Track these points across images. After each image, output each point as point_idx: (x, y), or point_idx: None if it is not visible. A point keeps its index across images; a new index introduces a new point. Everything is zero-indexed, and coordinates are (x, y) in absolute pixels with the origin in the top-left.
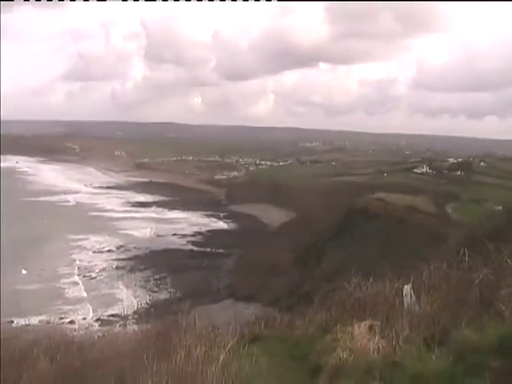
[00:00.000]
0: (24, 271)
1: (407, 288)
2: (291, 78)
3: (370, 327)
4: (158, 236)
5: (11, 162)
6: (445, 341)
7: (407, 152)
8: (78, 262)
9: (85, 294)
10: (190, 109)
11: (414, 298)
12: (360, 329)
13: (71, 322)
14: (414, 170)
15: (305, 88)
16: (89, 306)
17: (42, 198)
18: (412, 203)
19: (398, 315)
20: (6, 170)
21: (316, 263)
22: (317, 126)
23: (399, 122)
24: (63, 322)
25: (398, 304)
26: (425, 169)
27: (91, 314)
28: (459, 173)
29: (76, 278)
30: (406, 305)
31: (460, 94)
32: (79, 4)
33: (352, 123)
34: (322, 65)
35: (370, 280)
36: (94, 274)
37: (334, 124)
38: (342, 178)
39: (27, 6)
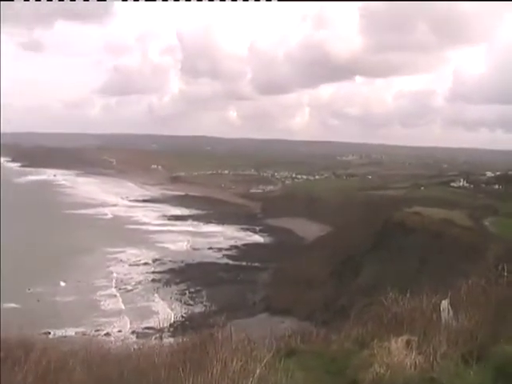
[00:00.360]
0: (63, 283)
1: (445, 303)
2: (327, 90)
3: (407, 342)
4: (194, 249)
5: (49, 174)
6: (483, 357)
7: (444, 165)
8: (114, 275)
9: (122, 307)
10: (226, 122)
11: (451, 313)
12: (397, 344)
13: (107, 334)
14: (452, 184)
15: (341, 101)
16: (126, 318)
17: (80, 211)
18: (449, 217)
19: (435, 331)
20: (44, 183)
21: (352, 277)
22: (353, 140)
23: (436, 135)
24: (99, 334)
25: (435, 319)
26: (462, 182)
27: (128, 326)
28: (497, 186)
29: (113, 291)
30: (443, 320)
31: (498, 106)
32: (117, 18)
33: (389, 136)
34: (358, 78)
35: (407, 295)
36: (129, 287)
37: (370, 137)
38: (379, 192)
39: (66, 22)
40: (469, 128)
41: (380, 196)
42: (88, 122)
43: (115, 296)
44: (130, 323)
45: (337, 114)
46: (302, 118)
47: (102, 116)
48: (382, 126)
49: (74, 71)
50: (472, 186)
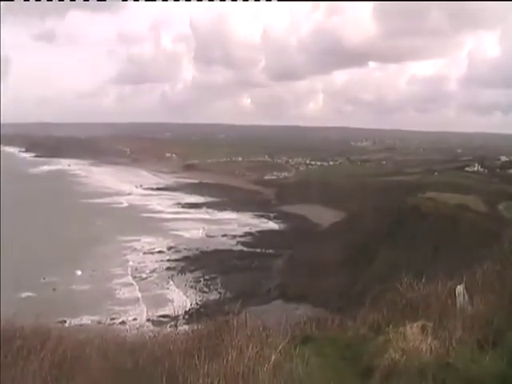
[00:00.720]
0: (79, 272)
1: (460, 288)
2: (340, 77)
3: (423, 328)
4: (208, 237)
5: (63, 164)
6: (499, 342)
7: (458, 150)
8: (130, 263)
9: (139, 295)
10: (240, 109)
11: (466, 298)
12: (412, 330)
13: (122, 323)
14: (466, 169)
15: (354, 87)
16: (142, 306)
17: (96, 200)
18: (463, 202)
19: (450, 316)
20: (59, 173)
21: (367, 263)
22: (367, 125)
23: (450, 120)
24: (114, 323)
25: (450, 304)
26: (476, 167)
27: (145, 314)
28: None
29: (129, 279)
30: (458, 305)
31: None
32: (130, 7)
33: (402, 121)
34: (371, 63)
35: (422, 280)
36: (144, 275)
37: (384, 123)
38: (393, 178)
39: (78, 11)
40: (483, 112)
41: (394, 182)
42: (101, 111)
43: (131, 284)
44: (146, 311)
45: (350, 99)
46: (316, 104)
47: (115, 105)
48: (395, 111)
49: (87, 61)
50: (486, 170)
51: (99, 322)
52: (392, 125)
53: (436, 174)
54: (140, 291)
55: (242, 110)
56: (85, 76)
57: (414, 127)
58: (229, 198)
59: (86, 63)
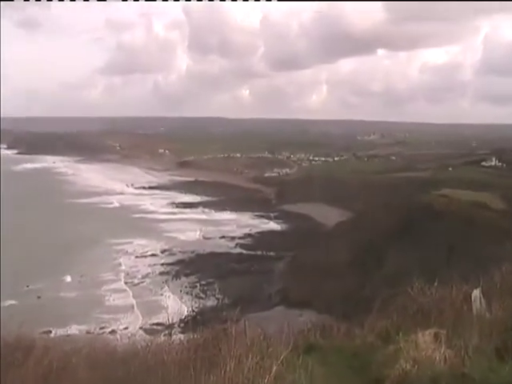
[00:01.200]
0: (68, 278)
1: (476, 293)
2: (346, 65)
3: (436, 336)
4: (205, 239)
5: (48, 161)
6: None
7: (474, 143)
8: (123, 267)
9: (131, 301)
10: (238, 102)
11: (484, 303)
12: (424, 337)
13: (113, 332)
14: (482, 163)
15: (361, 76)
16: (136, 313)
17: (84, 200)
18: (480, 199)
19: (466, 323)
20: (43, 171)
21: (375, 266)
22: (374, 118)
23: (464, 111)
24: (104, 332)
25: (466, 310)
26: (494, 162)
27: (139, 321)
28: None
29: (122, 285)
30: (475, 311)
31: None
32: None
33: (413, 113)
34: (380, 51)
35: (435, 284)
36: (136, 280)
37: (393, 115)
38: (403, 174)
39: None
40: (499, 102)
41: (405, 178)
42: (90, 104)
43: (123, 290)
44: (139, 319)
45: (357, 90)
46: (319, 95)
47: (104, 98)
48: (405, 102)
49: (74, 50)
50: (504, 165)
51: (88, 332)
52: (402, 117)
53: (450, 169)
54: (132, 297)
55: (241, 102)
56: (72, 67)
57: (425, 119)
58: (227, 197)
59: (72, 53)
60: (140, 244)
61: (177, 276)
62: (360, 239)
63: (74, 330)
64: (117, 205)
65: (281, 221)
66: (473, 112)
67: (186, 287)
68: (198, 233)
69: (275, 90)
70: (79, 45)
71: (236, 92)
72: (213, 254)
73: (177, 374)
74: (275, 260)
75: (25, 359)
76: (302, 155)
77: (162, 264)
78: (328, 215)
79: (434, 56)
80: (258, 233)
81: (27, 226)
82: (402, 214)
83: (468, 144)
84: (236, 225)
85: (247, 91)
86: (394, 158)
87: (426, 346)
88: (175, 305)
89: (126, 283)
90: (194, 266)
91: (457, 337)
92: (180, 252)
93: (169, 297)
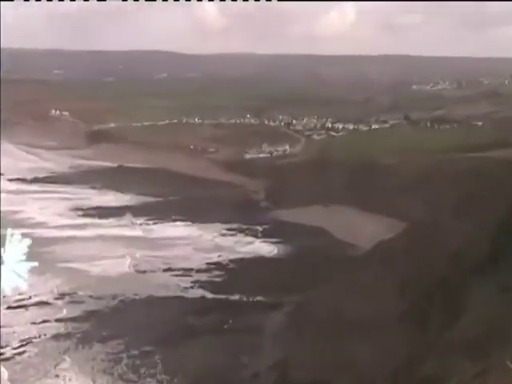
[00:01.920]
0: None
1: None
2: None
3: None
4: (138, 272)
5: None
6: None
7: None
8: None
9: None
10: (197, 24)
11: None
12: None
13: None
14: None
15: None
16: None
17: None
18: None
19: None
20: None
21: (446, 319)
22: (444, 52)
23: None
24: None
25: None
26: None
27: None
28: None
29: None
30: None
31: None
32: None
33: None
34: None
35: None
36: (10, 352)
37: (479, 44)
38: (496, 152)
39: None
40: None
41: (499, 160)
42: None
43: None
44: None
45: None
46: (342, 13)
47: None
48: (499, 22)
49: None
50: None
51: None
52: (494, 48)
53: None
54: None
55: (203, 25)
56: None
57: None
58: (177, 197)
59: None
60: (16, 284)
61: (85, 341)
62: (419, 272)
63: None
64: None
65: (274, 239)
66: None
67: (101, 362)
68: (126, 262)
69: (262, 7)
70: None
71: (193, 8)
72: (151, 301)
73: None
74: (266, 310)
75: None
76: (313, 121)
77: (58, 320)
78: (359, 228)
79: None
80: (234, 261)
81: None
82: (496, 223)
83: None
84: (193, 247)
85: (212, 8)
86: (479, 123)
87: None
88: None
89: None
90: (116, 324)
91: None
92: (92, 298)
93: (70, 380)
